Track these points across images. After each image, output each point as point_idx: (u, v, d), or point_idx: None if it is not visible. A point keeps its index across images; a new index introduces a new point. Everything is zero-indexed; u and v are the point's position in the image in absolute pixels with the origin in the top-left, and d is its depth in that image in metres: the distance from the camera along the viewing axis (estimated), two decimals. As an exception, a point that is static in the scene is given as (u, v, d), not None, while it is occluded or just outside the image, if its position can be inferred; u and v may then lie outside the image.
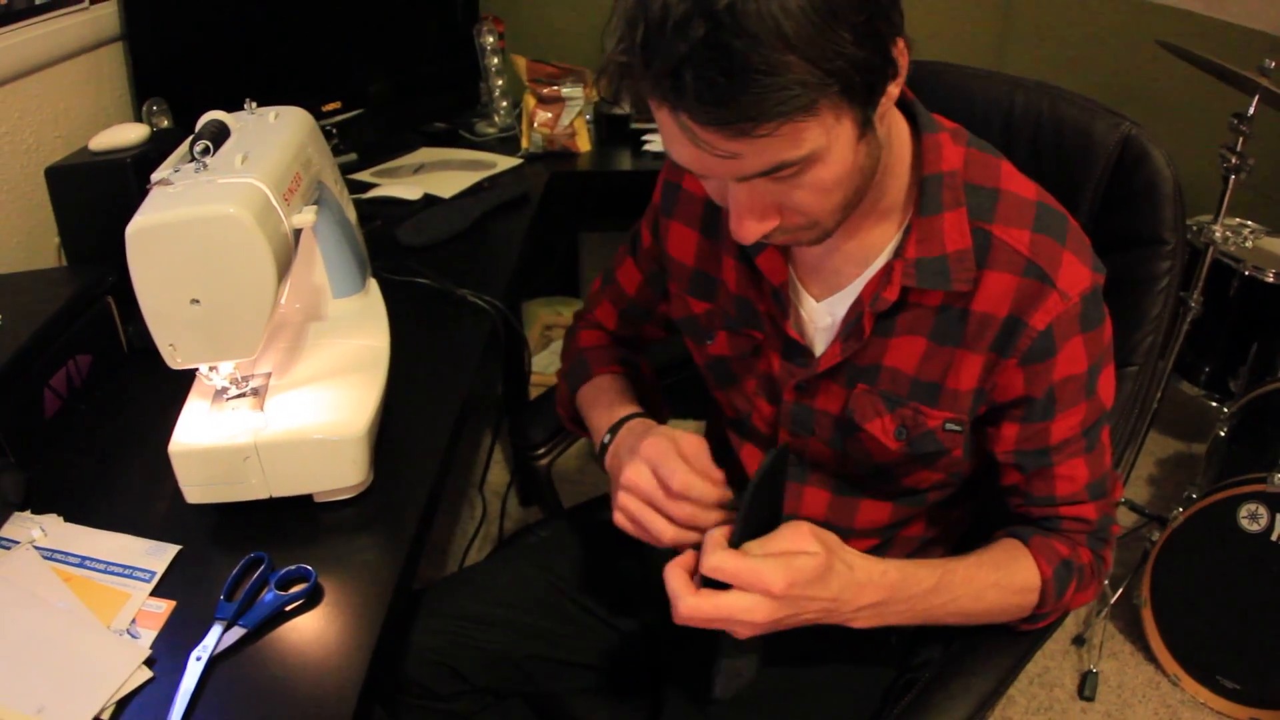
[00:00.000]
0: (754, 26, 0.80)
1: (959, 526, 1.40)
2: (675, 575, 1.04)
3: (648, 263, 1.41)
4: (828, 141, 0.91)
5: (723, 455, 1.42)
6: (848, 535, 1.31)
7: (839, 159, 0.93)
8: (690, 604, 1.02)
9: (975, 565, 1.19)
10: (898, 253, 1.11)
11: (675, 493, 1.10)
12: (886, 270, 1.11)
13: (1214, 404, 2.83)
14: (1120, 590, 2.53)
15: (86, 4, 2.03)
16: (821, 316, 1.19)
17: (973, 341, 1.12)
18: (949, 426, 1.16)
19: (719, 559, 1.01)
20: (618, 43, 0.88)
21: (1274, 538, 2.11)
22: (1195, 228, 2.53)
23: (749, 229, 0.99)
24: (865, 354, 1.16)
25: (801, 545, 1.05)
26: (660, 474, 1.11)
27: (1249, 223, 2.80)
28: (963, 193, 1.09)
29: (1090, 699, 2.36)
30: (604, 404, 1.36)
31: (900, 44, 0.92)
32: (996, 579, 1.19)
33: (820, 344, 1.20)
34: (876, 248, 1.13)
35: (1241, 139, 2.26)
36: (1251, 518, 2.13)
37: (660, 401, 1.50)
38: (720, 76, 0.82)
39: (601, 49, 0.91)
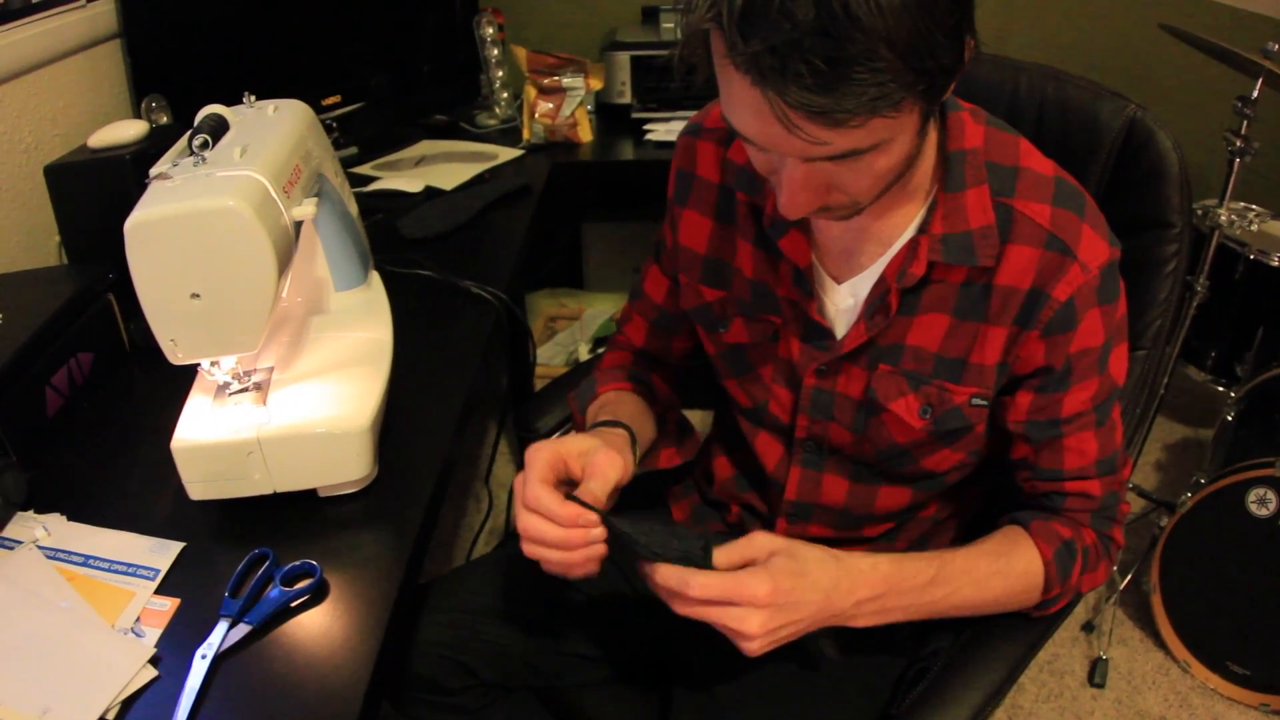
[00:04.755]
0: (864, 18, 0.79)
1: (972, 506, 1.40)
2: (667, 572, 1.05)
3: (671, 265, 1.39)
4: (895, 133, 0.91)
5: (735, 446, 1.42)
6: (864, 521, 1.31)
7: (899, 149, 0.94)
8: (702, 582, 1.03)
9: (975, 555, 1.19)
10: (923, 228, 1.11)
11: (528, 505, 1.12)
12: (912, 245, 1.11)
13: (1220, 389, 2.82)
14: (1129, 576, 2.52)
15: (83, 2, 2.02)
16: (844, 298, 1.19)
17: (996, 316, 1.12)
18: (975, 401, 1.16)
19: (701, 578, 1.03)
20: (709, 5, 0.85)
21: (1283, 522, 2.10)
22: (1200, 212, 2.52)
23: (800, 205, 0.98)
24: (889, 333, 1.16)
25: (770, 547, 1.08)
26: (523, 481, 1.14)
27: (1254, 206, 2.79)
28: (984, 170, 1.09)
29: (1100, 686, 2.36)
30: (590, 420, 1.37)
31: (970, 42, 0.91)
32: (998, 567, 1.19)
33: (841, 326, 1.20)
34: (900, 226, 1.12)
35: (1246, 122, 2.25)
36: (1260, 502, 2.12)
37: (675, 419, 1.51)
38: (825, 65, 0.80)
39: (683, 7, 0.88)
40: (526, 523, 1.11)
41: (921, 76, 0.85)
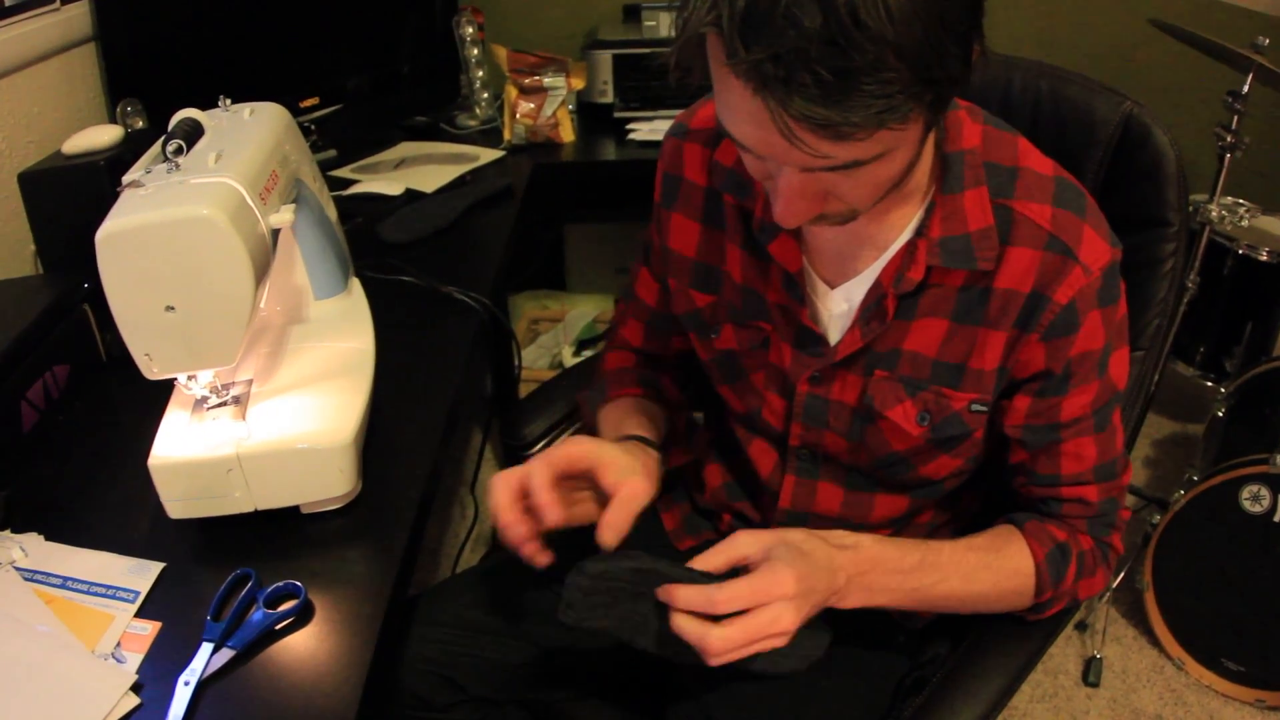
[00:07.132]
0: (874, 26, 0.76)
1: (968, 511, 1.38)
2: (687, 621, 1.01)
3: (660, 268, 1.37)
4: (899, 144, 0.89)
5: (727, 452, 1.40)
6: (860, 529, 1.29)
7: (901, 157, 0.92)
8: (719, 636, 1.00)
9: (964, 548, 1.18)
10: (920, 231, 1.08)
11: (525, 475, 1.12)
12: (909, 249, 1.08)
13: (1210, 384, 2.82)
14: (1122, 574, 2.51)
15: (57, 4, 1.99)
16: (837, 303, 1.16)
17: (996, 320, 1.10)
18: (974, 407, 1.14)
19: (727, 590, 1.00)
20: (708, 9, 0.81)
21: (1277, 519, 2.10)
22: (1191, 207, 2.51)
23: (797, 214, 0.96)
24: (885, 339, 1.14)
25: (762, 542, 1.06)
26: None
27: (1244, 202, 2.79)
28: (983, 170, 1.07)
29: (1095, 685, 2.35)
30: (610, 428, 1.34)
31: (977, 49, 0.88)
32: (987, 561, 1.17)
33: (835, 332, 1.17)
34: (897, 229, 1.10)
35: (1236, 117, 2.24)
36: (1254, 499, 2.11)
37: (684, 421, 1.49)
38: (831, 76, 0.77)
39: (679, 8, 0.85)
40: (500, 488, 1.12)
41: (930, 87, 0.82)
